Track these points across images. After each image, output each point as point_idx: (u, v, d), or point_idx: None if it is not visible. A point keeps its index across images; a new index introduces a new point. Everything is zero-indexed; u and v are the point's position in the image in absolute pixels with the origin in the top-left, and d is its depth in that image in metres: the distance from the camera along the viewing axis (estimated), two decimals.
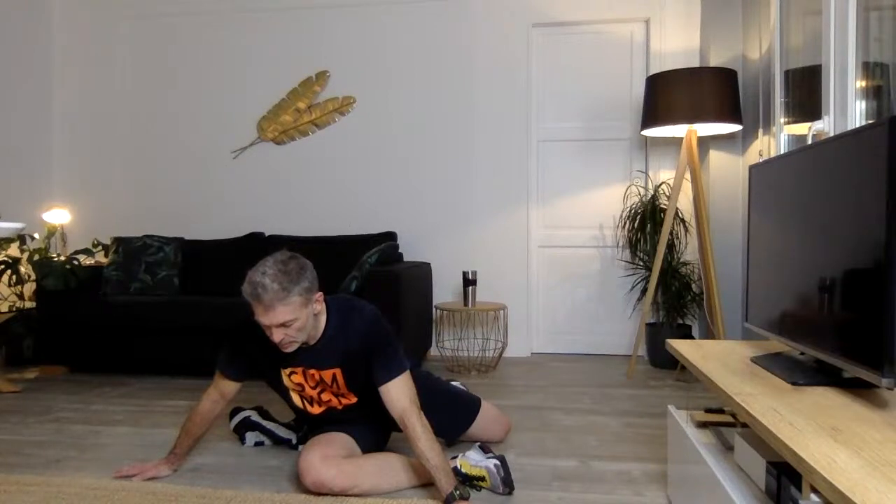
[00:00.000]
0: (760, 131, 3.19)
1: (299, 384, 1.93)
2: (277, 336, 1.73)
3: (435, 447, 1.72)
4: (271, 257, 1.75)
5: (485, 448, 1.90)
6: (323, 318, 1.85)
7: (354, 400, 1.94)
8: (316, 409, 1.97)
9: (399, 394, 1.78)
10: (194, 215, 4.24)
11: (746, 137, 3.38)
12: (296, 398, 1.98)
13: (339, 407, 1.96)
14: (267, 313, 1.69)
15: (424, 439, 1.72)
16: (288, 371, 1.91)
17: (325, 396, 1.94)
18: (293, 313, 1.70)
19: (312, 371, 1.89)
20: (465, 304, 3.53)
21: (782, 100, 2.68)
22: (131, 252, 3.70)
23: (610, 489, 1.86)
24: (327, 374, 1.88)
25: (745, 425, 1.51)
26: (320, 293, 1.81)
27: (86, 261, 3.87)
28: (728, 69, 3.10)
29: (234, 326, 1.96)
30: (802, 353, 1.49)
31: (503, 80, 3.92)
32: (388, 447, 2.10)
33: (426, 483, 1.86)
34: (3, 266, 3.35)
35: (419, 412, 1.77)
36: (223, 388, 1.99)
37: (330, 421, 1.97)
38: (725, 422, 1.57)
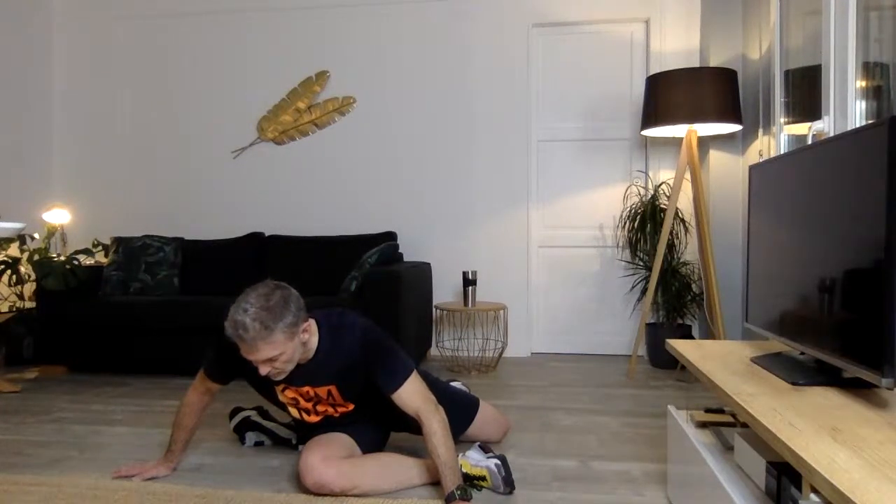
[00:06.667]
0: (760, 131, 3.19)
1: (294, 399, 1.93)
2: (264, 370, 1.69)
3: (448, 444, 1.72)
4: (253, 291, 1.67)
5: (485, 448, 1.90)
6: (314, 340, 1.81)
7: (351, 407, 1.94)
8: (313, 419, 1.97)
9: (410, 396, 1.77)
10: (194, 215, 4.24)
11: (746, 137, 3.38)
12: (292, 410, 1.98)
13: (336, 415, 1.95)
14: (251, 352, 1.65)
15: (440, 435, 1.72)
16: (281, 387, 1.90)
17: (321, 408, 1.94)
18: (278, 349, 1.66)
19: (306, 388, 1.87)
20: (465, 304, 3.53)
21: (782, 100, 2.68)
22: (131, 252, 3.70)
23: (610, 489, 1.86)
24: (322, 391, 1.88)
25: (745, 425, 1.51)
26: (308, 321, 1.76)
27: (86, 261, 3.87)
28: (728, 69, 3.09)
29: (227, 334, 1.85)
30: (802, 353, 1.49)
31: (503, 80, 3.91)
32: (387, 447, 2.10)
33: (426, 483, 1.86)
34: (3, 266, 3.35)
35: (435, 407, 1.77)
36: (208, 385, 1.97)
37: (328, 425, 1.97)
38: (725, 422, 1.57)
